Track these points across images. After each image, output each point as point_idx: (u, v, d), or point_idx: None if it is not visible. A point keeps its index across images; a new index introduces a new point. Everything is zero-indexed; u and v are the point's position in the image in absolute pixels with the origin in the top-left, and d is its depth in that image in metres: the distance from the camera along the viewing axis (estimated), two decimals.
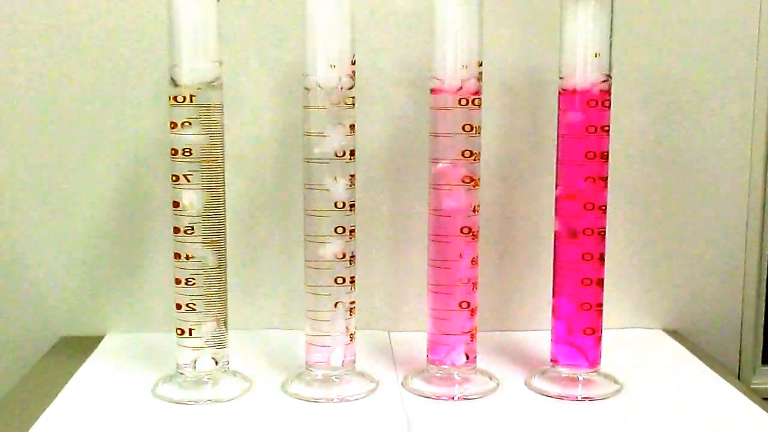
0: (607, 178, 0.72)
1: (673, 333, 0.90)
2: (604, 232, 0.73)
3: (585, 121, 0.71)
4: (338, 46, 0.69)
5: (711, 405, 0.72)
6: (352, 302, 0.73)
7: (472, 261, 0.73)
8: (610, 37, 0.71)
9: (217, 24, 0.69)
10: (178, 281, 0.72)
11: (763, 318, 0.93)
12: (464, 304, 0.73)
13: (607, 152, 0.72)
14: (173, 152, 0.70)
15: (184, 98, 0.69)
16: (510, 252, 0.89)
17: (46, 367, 0.81)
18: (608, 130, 0.72)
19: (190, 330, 0.72)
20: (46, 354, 0.85)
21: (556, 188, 0.74)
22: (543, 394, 0.74)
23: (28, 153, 0.85)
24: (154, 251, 0.87)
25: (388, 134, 0.87)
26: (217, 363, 0.73)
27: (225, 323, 0.73)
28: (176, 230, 0.71)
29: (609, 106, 0.72)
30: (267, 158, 0.86)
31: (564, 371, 0.75)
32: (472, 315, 0.73)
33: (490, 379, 0.76)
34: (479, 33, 0.70)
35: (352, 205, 0.72)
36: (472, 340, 0.74)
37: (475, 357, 0.75)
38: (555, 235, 0.74)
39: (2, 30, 0.83)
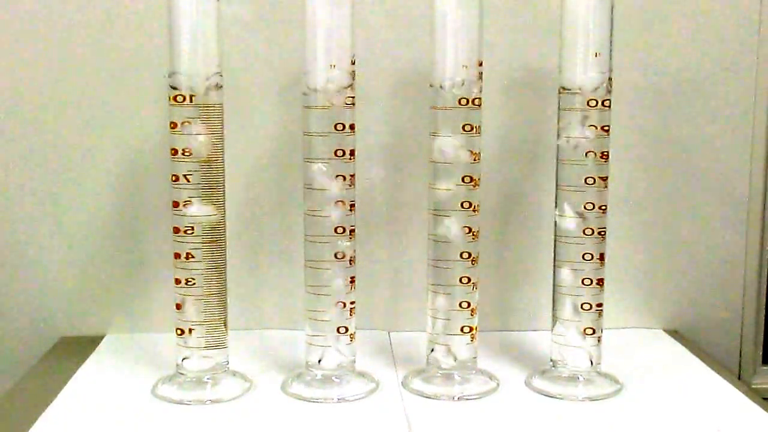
0: (607, 178, 0.72)
1: (673, 333, 0.90)
2: (604, 232, 0.73)
3: (585, 121, 0.71)
4: (338, 46, 0.69)
5: (711, 405, 0.72)
6: (352, 302, 0.73)
7: (472, 261, 0.73)
8: (610, 36, 0.71)
9: (217, 24, 0.69)
10: (178, 281, 0.72)
11: (764, 318, 0.93)
12: (464, 304, 0.73)
13: (607, 152, 0.72)
14: (173, 152, 0.70)
15: (184, 98, 0.69)
16: (510, 252, 0.89)
17: (46, 367, 0.81)
18: (608, 130, 0.72)
19: (190, 330, 0.72)
20: (46, 354, 0.85)
21: (556, 188, 0.74)
22: (543, 394, 0.74)
23: (28, 153, 0.85)
24: (154, 251, 0.86)
25: (388, 134, 0.87)
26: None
27: (225, 323, 0.73)
28: (176, 230, 0.71)
29: (609, 106, 0.72)
30: (267, 158, 0.86)
31: (564, 371, 0.75)
32: (472, 315, 0.73)
33: (490, 379, 0.76)
34: (479, 33, 0.70)
35: (352, 205, 0.72)
36: (472, 340, 0.74)
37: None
38: (555, 235, 0.74)
39: (2, 30, 0.83)
